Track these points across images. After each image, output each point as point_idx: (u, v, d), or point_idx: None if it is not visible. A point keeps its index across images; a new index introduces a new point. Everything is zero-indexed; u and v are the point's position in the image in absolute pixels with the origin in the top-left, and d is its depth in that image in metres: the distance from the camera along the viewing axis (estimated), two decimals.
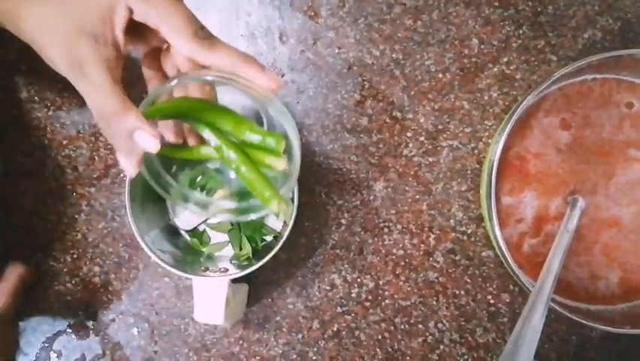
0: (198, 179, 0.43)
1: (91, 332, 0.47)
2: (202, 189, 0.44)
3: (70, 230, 0.47)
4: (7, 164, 0.48)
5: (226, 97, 0.34)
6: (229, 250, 0.45)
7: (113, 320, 0.47)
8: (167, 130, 0.33)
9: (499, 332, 0.45)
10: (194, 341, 0.47)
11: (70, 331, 0.48)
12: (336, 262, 0.46)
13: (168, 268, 0.39)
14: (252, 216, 0.33)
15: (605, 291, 0.42)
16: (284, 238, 0.39)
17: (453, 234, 0.46)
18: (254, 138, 0.31)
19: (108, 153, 0.48)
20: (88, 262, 0.47)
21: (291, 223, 0.39)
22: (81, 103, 0.48)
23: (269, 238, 0.45)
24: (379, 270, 0.46)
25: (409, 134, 0.46)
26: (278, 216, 0.43)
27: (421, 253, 0.46)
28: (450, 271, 0.46)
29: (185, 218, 0.45)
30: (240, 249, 0.44)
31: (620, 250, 0.42)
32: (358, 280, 0.46)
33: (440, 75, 0.46)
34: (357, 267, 0.46)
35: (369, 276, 0.46)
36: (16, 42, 0.49)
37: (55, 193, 0.48)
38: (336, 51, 0.47)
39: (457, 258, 0.46)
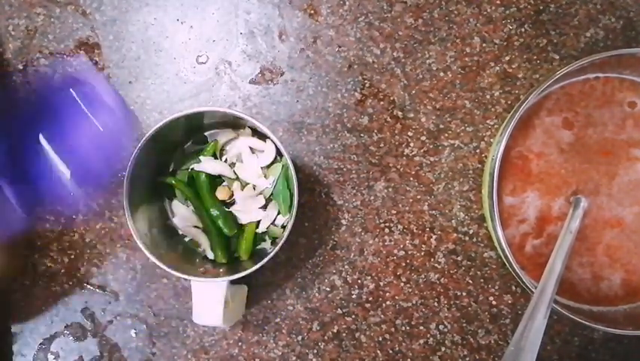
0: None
1: (88, 333, 0.47)
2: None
3: (68, 230, 0.47)
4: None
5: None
6: None
7: (111, 322, 0.47)
8: None
9: (501, 333, 0.45)
10: (193, 342, 0.46)
11: (68, 332, 0.47)
12: (337, 263, 0.46)
13: (166, 269, 0.39)
14: None
15: (608, 292, 0.42)
16: (283, 238, 0.39)
17: (454, 234, 0.45)
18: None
19: None
20: (85, 263, 0.47)
21: (290, 224, 0.39)
22: None
23: (268, 239, 0.44)
24: (380, 271, 0.46)
25: (410, 133, 0.46)
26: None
27: (423, 253, 0.45)
28: (451, 272, 0.45)
29: (184, 218, 0.44)
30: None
31: (622, 250, 0.42)
32: (359, 281, 0.46)
33: (441, 74, 0.46)
34: (358, 268, 0.46)
35: (369, 277, 0.46)
36: (12, 41, 0.49)
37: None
38: (337, 49, 0.46)
39: (459, 259, 0.45)
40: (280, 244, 0.39)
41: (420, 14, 0.46)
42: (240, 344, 0.46)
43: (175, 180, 0.43)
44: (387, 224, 0.46)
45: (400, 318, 0.45)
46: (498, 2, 0.46)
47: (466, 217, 0.45)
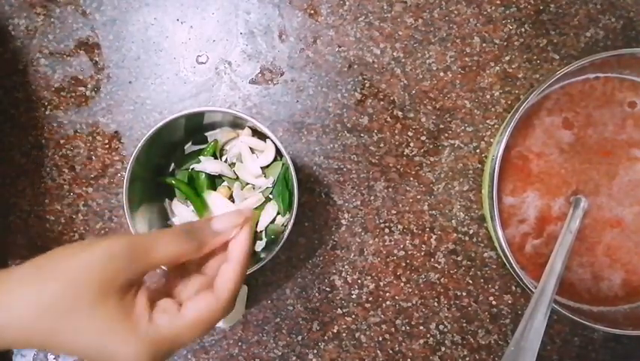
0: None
1: None
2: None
3: (68, 230, 0.47)
4: (4, 163, 0.47)
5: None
6: None
7: None
8: None
9: (501, 333, 0.45)
10: (193, 342, 0.46)
11: None
12: (337, 263, 0.46)
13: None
14: None
15: (608, 292, 0.42)
16: (283, 238, 0.39)
17: (454, 234, 0.45)
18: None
19: (105, 153, 0.47)
20: None
21: (290, 224, 0.39)
22: (78, 103, 0.47)
23: (268, 239, 0.44)
24: (380, 271, 0.46)
25: (410, 133, 0.46)
26: None
27: (423, 253, 0.45)
28: (451, 272, 0.45)
29: (184, 218, 0.44)
30: None
31: (622, 250, 0.42)
32: (359, 281, 0.46)
33: (442, 74, 0.46)
34: (358, 268, 0.46)
35: (369, 277, 0.46)
36: (12, 41, 0.49)
37: (52, 193, 0.47)
38: (337, 49, 0.46)
39: (459, 259, 0.45)
40: (280, 244, 0.39)
41: (420, 14, 0.46)
42: (240, 343, 0.46)
43: (175, 180, 0.43)
44: (387, 224, 0.46)
45: (399, 318, 0.45)
46: (498, 2, 0.46)
47: (466, 217, 0.45)
